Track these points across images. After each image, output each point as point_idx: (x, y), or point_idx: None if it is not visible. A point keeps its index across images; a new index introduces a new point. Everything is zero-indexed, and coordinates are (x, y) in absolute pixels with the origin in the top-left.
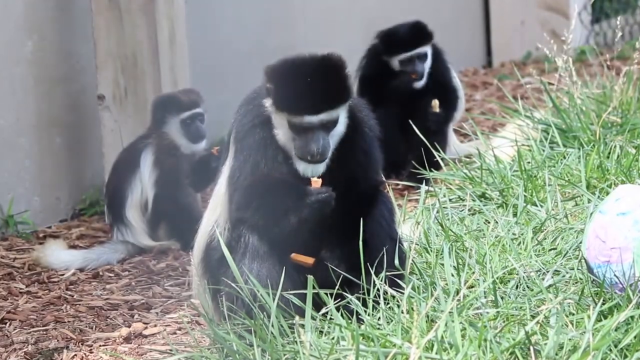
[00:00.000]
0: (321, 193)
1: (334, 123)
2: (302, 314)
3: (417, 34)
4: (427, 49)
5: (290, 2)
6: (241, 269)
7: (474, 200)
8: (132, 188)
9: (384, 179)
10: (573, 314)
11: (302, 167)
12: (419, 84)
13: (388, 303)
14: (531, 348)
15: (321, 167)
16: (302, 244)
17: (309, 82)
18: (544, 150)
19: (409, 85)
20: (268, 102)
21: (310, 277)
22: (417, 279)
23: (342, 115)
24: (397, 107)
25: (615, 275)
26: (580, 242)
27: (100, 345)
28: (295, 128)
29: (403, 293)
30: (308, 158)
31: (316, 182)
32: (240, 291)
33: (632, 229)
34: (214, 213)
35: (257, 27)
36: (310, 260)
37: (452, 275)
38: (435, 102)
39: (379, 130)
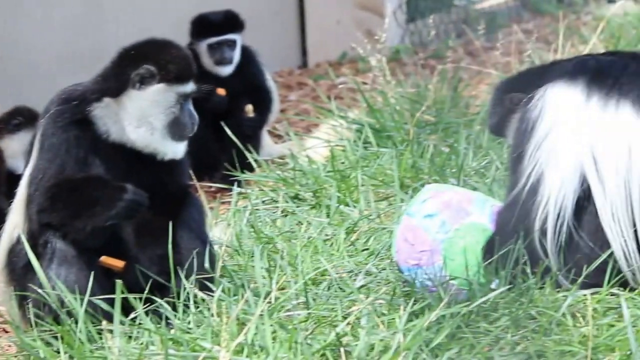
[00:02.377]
0: (137, 192)
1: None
2: (110, 319)
3: (228, 20)
4: (237, 37)
5: (100, 3)
6: (48, 275)
7: (287, 202)
8: None
9: (192, 181)
10: (385, 315)
11: (171, 148)
12: (227, 69)
13: (198, 307)
14: (342, 349)
15: (184, 146)
16: (112, 247)
17: (181, 50)
18: (357, 151)
19: (220, 102)
20: (112, 103)
21: (119, 282)
22: (228, 282)
23: None
24: (210, 112)
25: (426, 277)
26: (391, 244)
27: None
28: (183, 97)
29: (213, 296)
30: (192, 128)
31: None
32: (48, 297)
33: (440, 231)
34: (18, 216)
35: (67, 29)
36: (120, 263)
37: (263, 277)
38: (249, 107)
39: None
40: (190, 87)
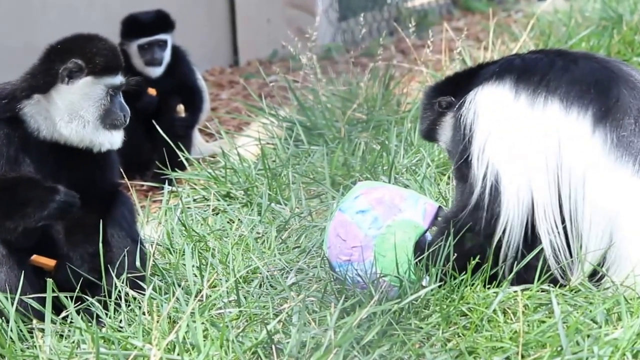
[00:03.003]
0: (68, 193)
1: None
2: (42, 318)
3: (159, 20)
4: (168, 37)
5: (29, 1)
6: None
7: (218, 200)
8: None
9: (123, 179)
10: (316, 312)
11: (106, 138)
12: (157, 70)
13: (129, 305)
14: (273, 347)
15: (120, 136)
16: (43, 245)
17: (108, 43)
18: (288, 149)
19: (150, 102)
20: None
21: (50, 281)
22: (159, 280)
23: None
24: (141, 111)
25: (357, 273)
26: (323, 241)
27: None
28: (113, 89)
29: (144, 294)
30: (124, 120)
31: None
32: None
33: (372, 227)
34: None
35: None
36: (50, 262)
37: (195, 276)
38: (181, 107)
39: None
40: (118, 78)
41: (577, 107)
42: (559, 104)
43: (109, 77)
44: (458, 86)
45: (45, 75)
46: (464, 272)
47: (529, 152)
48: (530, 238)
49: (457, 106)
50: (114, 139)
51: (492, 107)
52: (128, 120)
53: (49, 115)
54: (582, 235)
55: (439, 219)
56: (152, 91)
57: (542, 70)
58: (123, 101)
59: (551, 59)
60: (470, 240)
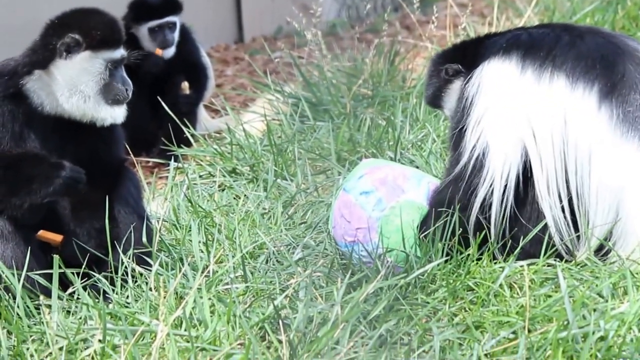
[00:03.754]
0: (74, 169)
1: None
2: (48, 294)
3: (168, 2)
4: (177, 19)
5: None
6: None
7: (224, 176)
8: None
9: (129, 156)
10: (322, 287)
11: (109, 113)
12: (169, 52)
13: (136, 281)
14: (280, 322)
15: (123, 111)
16: (49, 221)
17: (107, 16)
18: (294, 124)
19: (156, 63)
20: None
21: (56, 257)
22: (166, 256)
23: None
24: (147, 86)
25: (364, 251)
26: (329, 217)
27: None
28: (113, 63)
29: (151, 270)
30: (126, 94)
31: None
32: None
33: (376, 209)
34: None
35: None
36: (57, 237)
37: (201, 251)
38: (185, 85)
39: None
40: (118, 52)
41: (583, 83)
42: (565, 80)
43: (107, 51)
44: (465, 55)
45: (44, 50)
46: (466, 247)
47: (534, 127)
48: (528, 212)
49: (464, 77)
50: (116, 113)
51: (497, 82)
52: (131, 94)
53: (51, 90)
54: (588, 210)
55: None
56: (158, 51)
57: (548, 45)
58: (125, 75)
59: (557, 34)
60: (448, 213)
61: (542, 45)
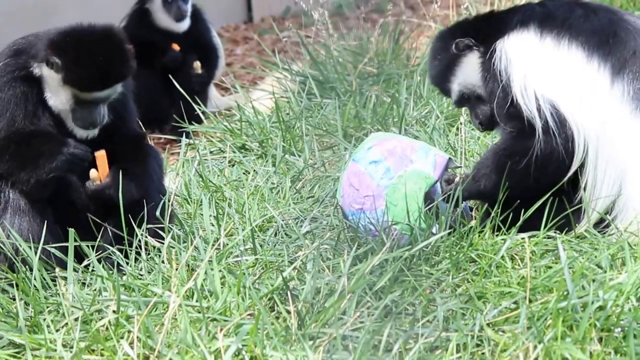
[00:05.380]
0: (78, 146)
1: (114, 94)
2: (64, 267)
3: None
4: None
5: None
6: (3, 224)
7: (234, 152)
8: None
9: (143, 130)
10: (330, 259)
11: (80, 133)
12: (183, 24)
13: (149, 254)
14: (289, 293)
15: (97, 130)
16: (66, 199)
17: (99, 61)
18: (301, 102)
19: (174, 58)
20: (42, 68)
21: (72, 230)
22: (178, 230)
23: (120, 86)
24: (161, 67)
25: (369, 221)
26: (337, 190)
27: None
28: (81, 101)
29: (163, 243)
30: (89, 127)
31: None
32: (3, 246)
33: (384, 177)
34: None
35: None
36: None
37: (212, 225)
38: (197, 64)
39: (133, 84)
40: (96, 95)
41: (598, 57)
42: (581, 51)
43: (81, 92)
44: (477, 29)
45: (40, 52)
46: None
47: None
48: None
49: (479, 51)
50: (83, 133)
51: (522, 51)
52: (101, 124)
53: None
54: (596, 183)
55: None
56: (175, 47)
57: (563, 16)
58: (100, 111)
59: (570, 6)
60: (549, 167)
61: (557, 15)
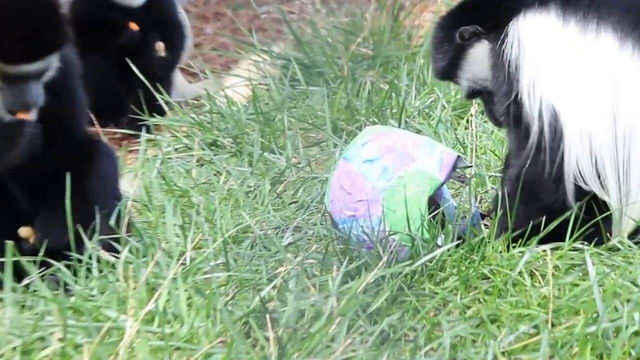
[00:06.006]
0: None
1: (48, 70)
2: (0, 286)
3: None
4: None
5: None
6: None
7: (203, 149)
8: None
9: (94, 126)
10: (316, 276)
11: (10, 119)
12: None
13: (102, 270)
14: (267, 316)
15: (34, 114)
16: (7, 204)
17: (25, 26)
18: (283, 90)
19: (132, 38)
20: None
21: (10, 243)
22: (137, 241)
23: (55, 60)
24: (116, 48)
25: (363, 231)
26: (325, 194)
27: None
28: (7, 77)
29: (119, 258)
30: (20, 110)
31: None
32: None
33: (381, 178)
34: None
35: None
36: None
37: (177, 236)
38: (160, 45)
39: (81, 68)
40: (24, 68)
41: (632, 40)
42: (612, 34)
43: (5, 65)
44: (483, 14)
45: None
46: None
47: (582, 89)
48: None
49: (488, 39)
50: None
51: (539, 38)
52: (37, 106)
53: None
54: (630, 189)
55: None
56: (133, 26)
57: None
58: (36, 88)
59: None
60: (540, 192)
61: None
